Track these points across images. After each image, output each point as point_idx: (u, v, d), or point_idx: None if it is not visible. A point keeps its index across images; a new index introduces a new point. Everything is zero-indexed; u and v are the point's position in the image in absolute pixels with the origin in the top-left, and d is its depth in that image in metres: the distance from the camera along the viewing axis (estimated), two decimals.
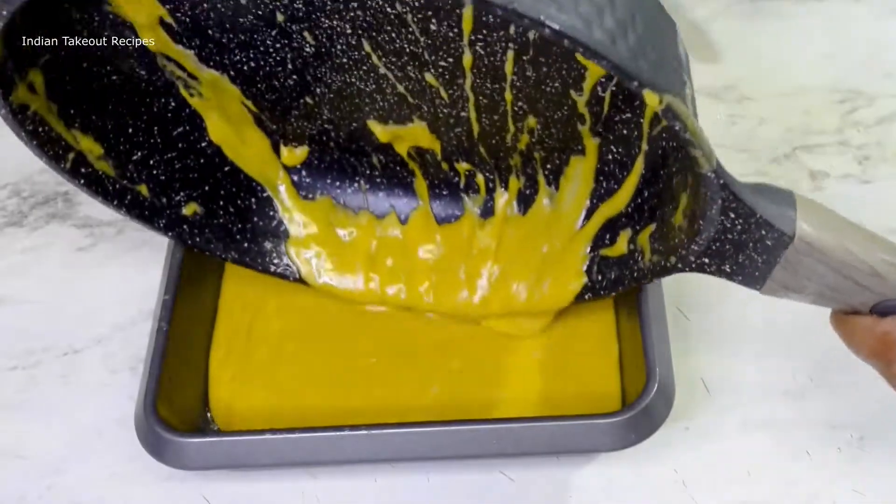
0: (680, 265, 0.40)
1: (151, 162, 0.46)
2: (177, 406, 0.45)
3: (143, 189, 0.46)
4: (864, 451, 0.45)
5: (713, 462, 0.45)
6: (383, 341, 0.49)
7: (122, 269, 0.55)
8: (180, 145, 0.47)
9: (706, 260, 0.39)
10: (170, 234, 0.47)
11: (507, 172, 0.47)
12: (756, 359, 0.48)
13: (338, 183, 0.50)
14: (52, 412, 0.50)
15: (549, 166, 0.46)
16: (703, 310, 0.50)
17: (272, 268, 0.49)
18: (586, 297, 0.46)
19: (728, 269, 0.39)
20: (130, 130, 0.45)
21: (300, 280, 0.49)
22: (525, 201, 0.48)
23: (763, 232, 0.37)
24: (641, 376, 0.43)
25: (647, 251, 0.43)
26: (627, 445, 0.42)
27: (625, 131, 0.43)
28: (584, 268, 0.46)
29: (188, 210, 0.47)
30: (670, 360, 0.44)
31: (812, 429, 0.46)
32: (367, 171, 0.49)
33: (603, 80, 0.41)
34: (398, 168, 0.49)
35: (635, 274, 0.44)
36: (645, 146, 0.42)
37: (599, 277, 0.46)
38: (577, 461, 0.46)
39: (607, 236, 0.46)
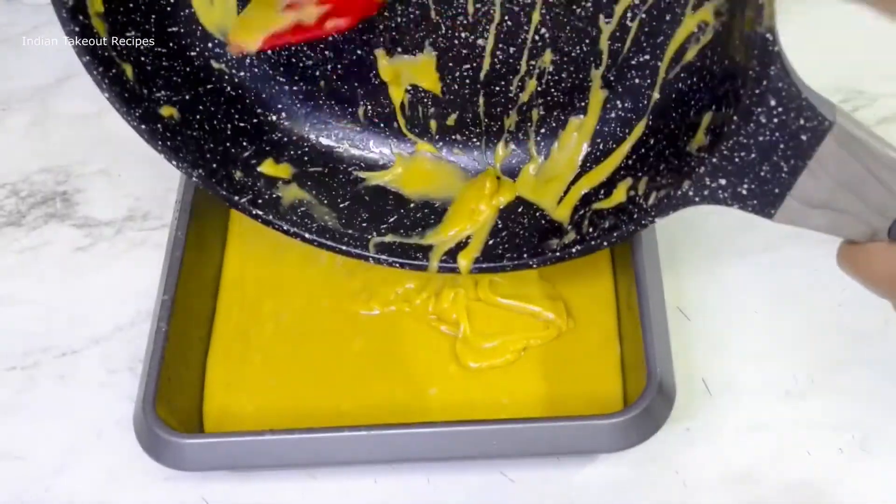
0: (692, 192, 0.38)
1: (141, 47, 0.45)
2: (176, 407, 0.45)
3: (129, 70, 0.45)
4: (866, 451, 0.45)
5: (714, 463, 0.45)
6: (380, 343, 0.49)
7: (120, 270, 0.55)
8: (172, 44, 0.46)
9: (722, 182, 0.37)
10: (143, 127, 0.46)
11: (497, 138, 0.47)
12: (757, 359, 0.48)
13: (314, 134, 0.49)
14: (51, 413, 0.50)
15: (543, 130, 0.46)
16: (704, 310, 0.50)
17: (237, 198, 0.47)
18: (573, 250, 0.44)
19: (745, 191, 0.37)
20: (131, 5, 0.45)
21: (263, 221, 0.48)
22: (509, 171, 0.48)
23: (802, 122, 0.35)
24: (642, 377, 0.43)
25: (653, 191, 0.42)
26: (628, 446, 0.42)
27: (636, 80, 0.42)
28: (568, 225, 0.45)
29: (165, 111, 0.46)
30: (671, 361, 0.44)
31: (813, 429, 0.46)
32: (349, 126, 0.49)
33: (636, 1, 0.40)
34: (382, 125, 0.48)
35: (635, 216, 0.42)
36: (656, 95, 0.42)
37: (591, 230, 0.44)
38: (577, 462, 0.46)
39: (602, 191, 0.44)
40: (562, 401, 0.46)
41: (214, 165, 0.47)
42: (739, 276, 0.51)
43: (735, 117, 0.36)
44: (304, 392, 0.48)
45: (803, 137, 0.35)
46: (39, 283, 0.55)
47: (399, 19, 0.43)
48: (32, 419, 0.49)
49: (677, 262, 0.51)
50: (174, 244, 0.49)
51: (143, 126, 0.46)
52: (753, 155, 0.36)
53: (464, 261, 0.47)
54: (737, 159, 0.37)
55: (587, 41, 0.42)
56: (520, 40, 0.43)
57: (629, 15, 0.41)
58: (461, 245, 0.47)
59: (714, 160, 0.37)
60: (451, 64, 0.44)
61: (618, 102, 0.44)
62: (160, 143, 0.46)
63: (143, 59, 0.46)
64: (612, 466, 0.45)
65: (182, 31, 0.46)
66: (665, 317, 0.45)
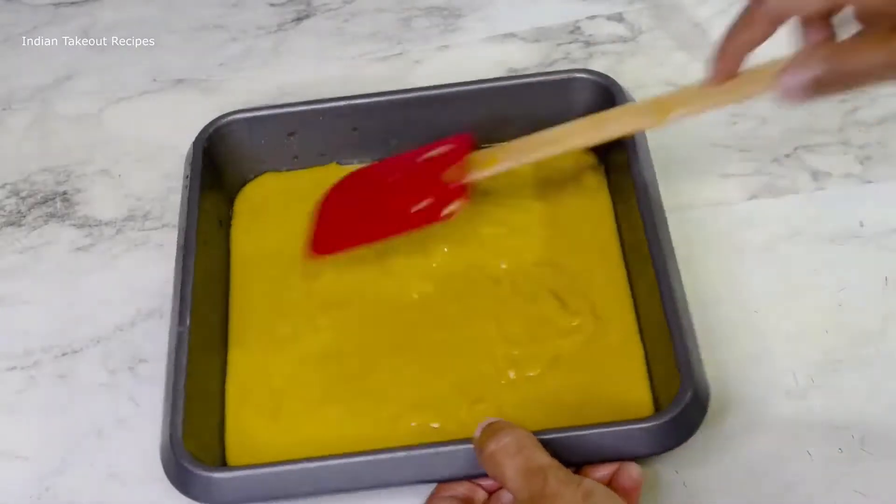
0: None
1: None
2: (202, 440, 0.44)
3: None
4: (866, 451, 0.45)
5: (714, 463, 0.45)
6: (406, 362, 0.48)
7: (120, 269, 0.55)
8: None
9: None
10: None
11: None
12: (757, 359, 0.48)
13: None
14: (51, 412, 0.50)
15: None
16: (705, 311, 0.50)
17: None
18: None
19: None
20: None
21: None
22: None
23: None
24: (670, 376, 0.42)
25: None
26: (668, 449, 0.42)
27: None
28: None
29: None
30: (701, 361, 0.44)
31: (813, 429, 0.46)
32: None
33: None
34: None
35: None
36: None
37: None
38: None
39: None
40: (593, 405, 0.45)
41: None
42: (739, 276, 0.51)
43: None
44: (327, 417, 0.46)
45: None
46: (40, 283, 0.55)
47: None
48: (33, 419, 0.49)
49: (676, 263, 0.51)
50: (183, 274, 0.48)
51: None
52: None
53: None
54: None
55: None
56: None
57: None
58: None
59: None
60: None
61: None
62: None
63: None
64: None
65: None
66: (690, 317, 0.45)
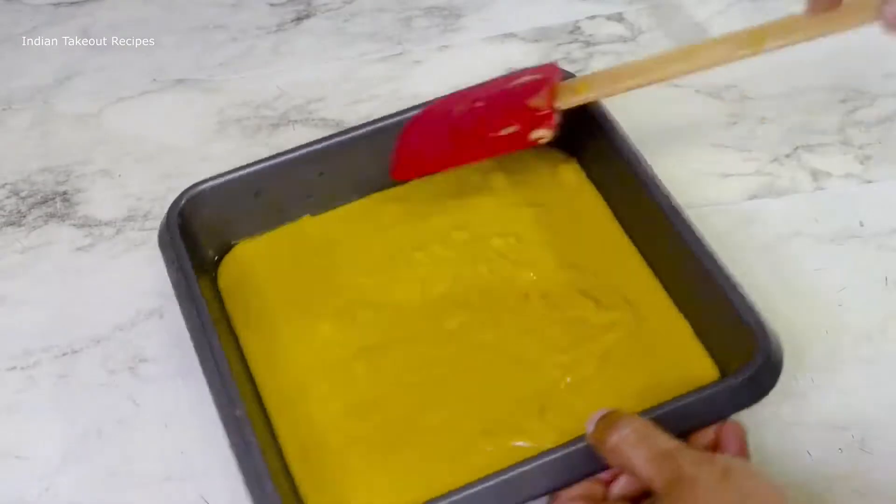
0: None
1: None
2: None
3: None
4: (865, 451, 0.45)
5: None
6: (457, 392, 0.46)
7: (120, 269, 0.55)
8: None
9: None
10: None
11: None
12: None
13: None
14: (51, 412, 0.50)
15: None
16: None
17: None
18: None
19: None
20: None
21: None
22: None
23: None
24: (733, 335, 0.43)
25: None
26: (759, 398, 0.42)
27: None
28: None
29: None
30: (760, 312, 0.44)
31: (813, 429, 0.46)
32: None
33: None
34: None
35: None
36: None
37: None
38: None
39: None
40: (658, 386, 0.44)
41: None
42: (739, 276, 0.51)
43: None
44: (398, 465, 0.44)
45: None
46: (40, 283, 0.55)
47: None
48: (33, 419, 0.49)
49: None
50: (214, 358, 0.44)
51: None
52: None
53: None
54: None
55: None
56: None
57: None
58: None
59: None
60: None
61: None
62: None
63: None
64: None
65: None
66: (729, 269, 0.45)
